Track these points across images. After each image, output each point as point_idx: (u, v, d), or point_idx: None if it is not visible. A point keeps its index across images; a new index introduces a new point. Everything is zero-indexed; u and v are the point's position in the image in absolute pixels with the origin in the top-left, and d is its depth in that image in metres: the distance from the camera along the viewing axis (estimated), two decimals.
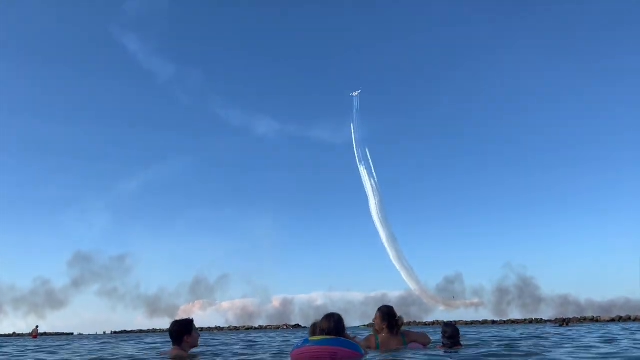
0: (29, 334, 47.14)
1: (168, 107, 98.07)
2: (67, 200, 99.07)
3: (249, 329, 68.30)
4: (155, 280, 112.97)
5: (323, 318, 4.55)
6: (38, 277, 73.86)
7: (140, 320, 73.86)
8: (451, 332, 6.15)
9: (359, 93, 59.97)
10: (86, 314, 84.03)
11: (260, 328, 68.60)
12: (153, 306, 72.36)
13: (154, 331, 73.87)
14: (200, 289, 72.03)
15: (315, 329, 5.09)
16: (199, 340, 5.35)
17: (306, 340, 4.37)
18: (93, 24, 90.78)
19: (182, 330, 5.08)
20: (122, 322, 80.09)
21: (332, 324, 4.48)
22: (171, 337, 5.13)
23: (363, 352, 4.46)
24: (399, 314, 5.81)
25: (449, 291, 64.32)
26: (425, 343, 6.02)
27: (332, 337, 4.39)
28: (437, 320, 63.41)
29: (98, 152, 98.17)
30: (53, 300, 66.53)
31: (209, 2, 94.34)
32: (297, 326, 67.54)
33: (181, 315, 72.64)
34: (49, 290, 67.35)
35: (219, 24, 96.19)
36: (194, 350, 5.48)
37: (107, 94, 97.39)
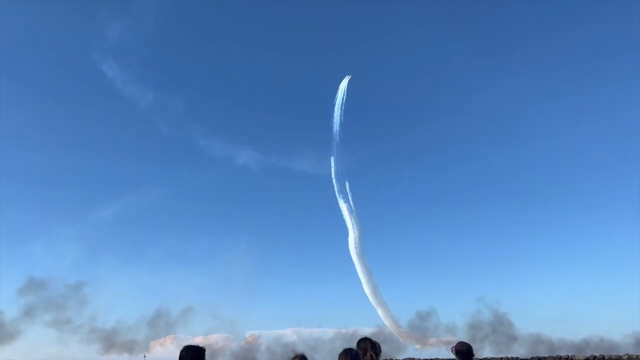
0: None
1: (147, 136, 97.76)
2: (34, 228, 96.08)
3: None
4: (115, 312, 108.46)
5: (341, 353, 4.84)
6: None
7: (106, 357, 70.11)
8: (466, 349, 6.42)
9: (349, 79, 58.97)
10: (46, 349, 79.04)
11: None
12: (109, 340, 67.89)
13: None
14: (160, 323, 68.65)
15: None
16: None
17: None
18: (73, 48, 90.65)
19: (198, 358, 4.97)
20: (95, 357, 75.78)
21: (349, 358, 4.72)
22: None
23: None
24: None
25: (421, 328, 63.55)
26: None
27: None
28: (413, 358, 62.31)
29: (71, 180, 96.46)
30: (2, 333, 61.43)
31: (192, 31, 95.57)
32: None
33: (153, 351, 69.18)
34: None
35: (201, 53, 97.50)
36: None
37: (84, 120, 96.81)
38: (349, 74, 59.53)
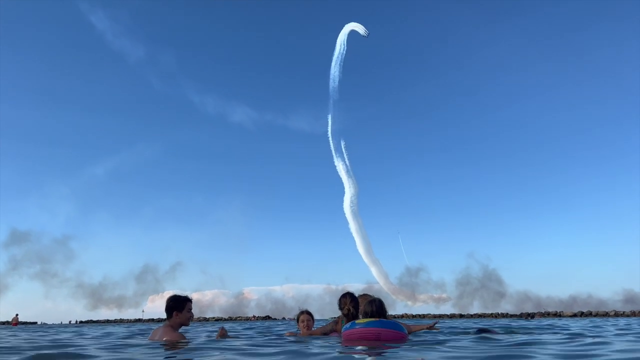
0: (8, 322, 45.53)
1: (139, 91, 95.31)
2: (26, 185, 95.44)
3: (219, 320, 67.56)
4: (104, 268, 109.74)
5: (366, 303, 5.21)
6: None
7: (104, 311, 71.40)
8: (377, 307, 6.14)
9: (366, 33, 53.89)
10: (41, 304, 79.87)
11: (231, 319, 67.92)
12: (97, 295, 68.64)
13: (121, 321, 72.36)
14: (148, 279, 69.27)
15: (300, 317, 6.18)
16: (190, 321, 5.58)
17: (353, 323, 4.94)
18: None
19: (173, 306, 5.27)
20: (84, 313, 77.07)
21: (375, 308, 5.12)
22: (165, 310, 5.38)
23: (405, 330, 5.02)
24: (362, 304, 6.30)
25: (411, 285, 64.58)
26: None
27: (376, 319, 4.92)
28: (405, 314, 64.12)
29: (63, 136, 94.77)
30: None
31: None
32: (268, 317, 67.10)
33: (149, 306, 70.22)
34: None
35: (193, 4, 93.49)
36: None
37: (74, 75, 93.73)
38: (358, 23, 53.94)
